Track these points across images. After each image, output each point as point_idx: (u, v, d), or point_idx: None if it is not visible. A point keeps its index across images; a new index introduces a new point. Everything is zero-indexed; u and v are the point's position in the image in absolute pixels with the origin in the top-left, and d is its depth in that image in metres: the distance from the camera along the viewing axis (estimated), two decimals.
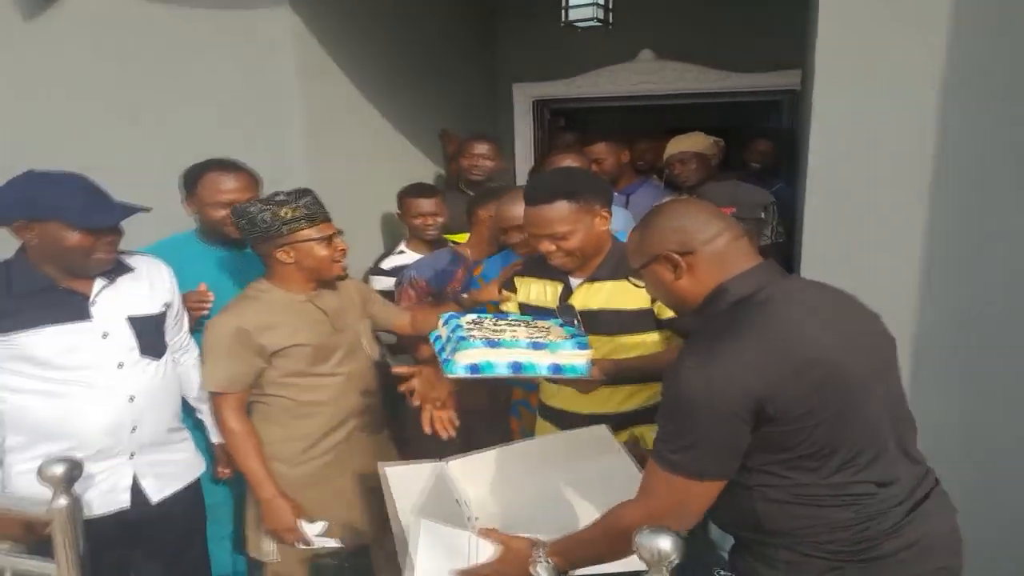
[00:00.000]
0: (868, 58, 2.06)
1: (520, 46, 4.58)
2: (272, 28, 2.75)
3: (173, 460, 2.04)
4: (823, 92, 2.11)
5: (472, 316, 1.89)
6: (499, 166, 3.44)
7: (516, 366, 1.66)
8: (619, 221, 2.89)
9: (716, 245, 1.33)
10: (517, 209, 2.10)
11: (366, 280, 2.93)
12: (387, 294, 2.63)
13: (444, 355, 1.72)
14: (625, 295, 1.87)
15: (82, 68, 2.97)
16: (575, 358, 1.69)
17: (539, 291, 2.06)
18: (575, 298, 1.96)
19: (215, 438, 2.22)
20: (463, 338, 1.67)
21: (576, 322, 1.84)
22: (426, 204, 2.90)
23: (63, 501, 1.39)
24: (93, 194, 1.80)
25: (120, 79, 2.94)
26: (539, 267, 2.05)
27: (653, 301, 1.86)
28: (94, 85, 2.97)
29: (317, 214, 2.01)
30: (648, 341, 1.92)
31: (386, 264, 2.95)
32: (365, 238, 3.24)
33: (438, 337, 1.82)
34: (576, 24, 3.19)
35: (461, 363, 1.63)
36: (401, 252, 2.96)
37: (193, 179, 2.28)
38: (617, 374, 1.78)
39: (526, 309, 2.08)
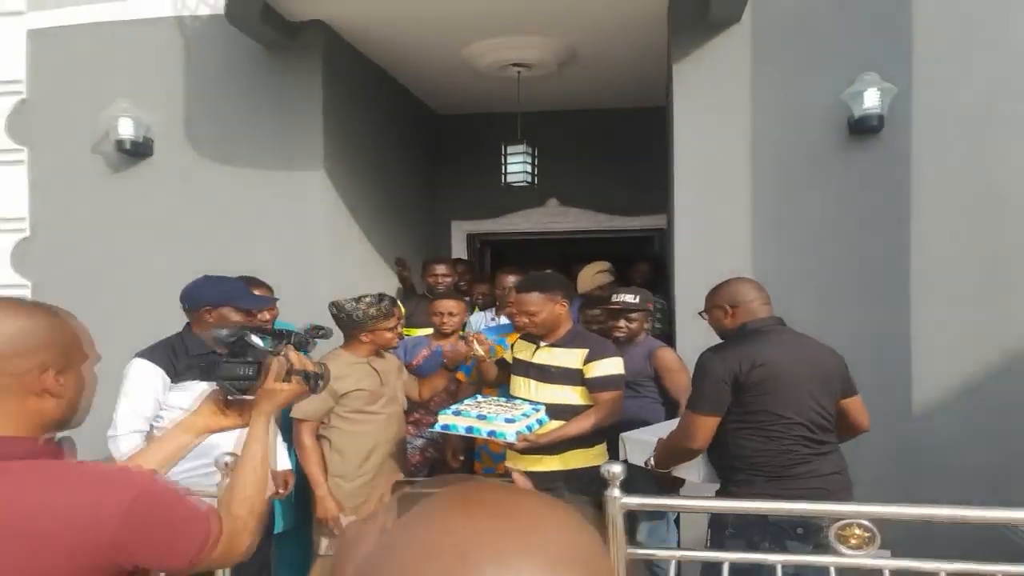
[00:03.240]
0: (709, 205, 3.52)
1: (456, 192, 5.97)
2: (307, 183, 3.93)
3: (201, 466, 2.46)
4: (680, 228, 3.54)
5: (479, 397, 3.12)
6: (454, 279, 4.65)
7: (468, 429, 2.87)
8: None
9: (750, 305, 2.45)
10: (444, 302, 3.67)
11: None
12: None
13: (441, 411, 2.95)
14: (568, 358, 3.01)
15: (158, 211, 4.02)
16: (505, 427, 2.75)
17: (522, 350, 3.16)
18: (539, 353, 3.13)
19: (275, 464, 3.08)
20: (458, 411, 2.90)
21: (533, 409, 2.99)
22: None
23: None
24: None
25: (192, 220, 3.99)
26: (526, 335, 3.19)
27: (585, 363, 3.00)
28: (167, 225, 4.01)
29: (391, 312, 3.12)
30: (573, 391, 2.94)
31: None
32: None
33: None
34: (512, 184, 4.58)
35: (439, 422, 2.89)
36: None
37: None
38: (537, 442, 2.78)
39: (514, 361, 3.18)
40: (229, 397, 1.51)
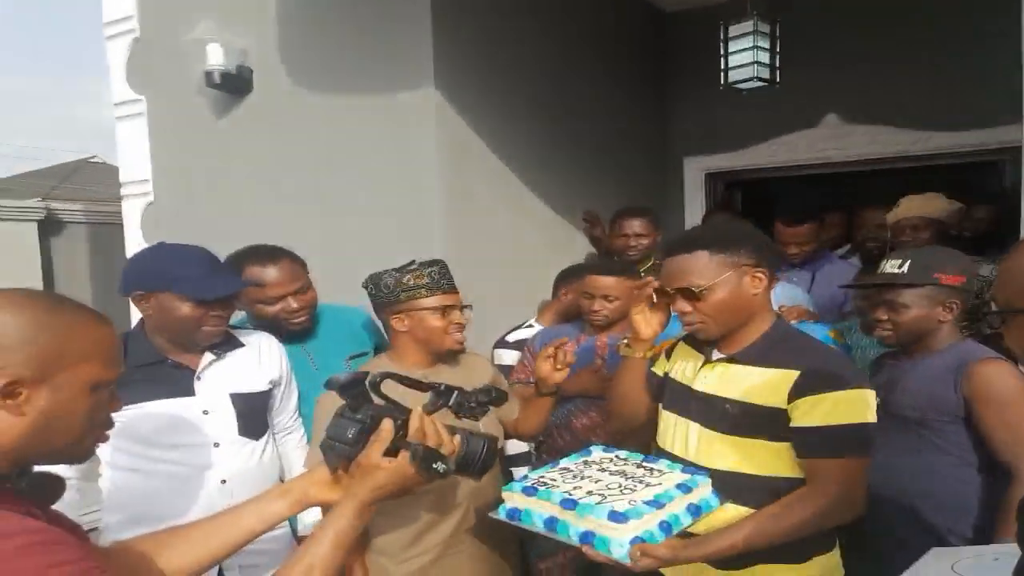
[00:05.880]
0: None
1: (688, 117, 4.37)
2: (416, 105, 2.83)
3: (263, 551, 1.76)
4: None
5: (596, 452, 1.80)
6: (656, 242, 3.20)
7: (550, 524, 1.50)
8: (795, 299, 2.54)
9: None
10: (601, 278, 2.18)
11: (491, 354, 2.83)
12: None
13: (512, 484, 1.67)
14: (764, 388, 1.54)
15: (259, 154, 3.25)
16: (612, 529, 1.39)
17: (682, 366, 1.76)
18: (699, 375, 1.66)
19: (303, 531, 2.04)
20: (537, 485, 1.59)
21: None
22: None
23: None
24: (209, 267, 1.83)
25: (287, 162, 3.16)
26: (691, 338, 1.75)
27: (788, 401, 1.50)
28: (268, 169, 3.23)
29: (439, 284, 1.89)
30: (763, 453, 1.55)
31: (512, 337, 2.82)
32: (504, 314, 3.16)
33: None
34: (737, 87, 2.94)
35: (506, 505, 1.60)
36: (529, 326, 2.83)
37: (236, 273, 2.08)
38: (679, 558, 1.43)
39: (667, 381, 1.79)
40: (331, 464, 1.20)
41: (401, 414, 1.20)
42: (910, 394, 1.89)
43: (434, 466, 1.16)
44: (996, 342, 2.21)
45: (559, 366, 1.90)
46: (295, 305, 2.16)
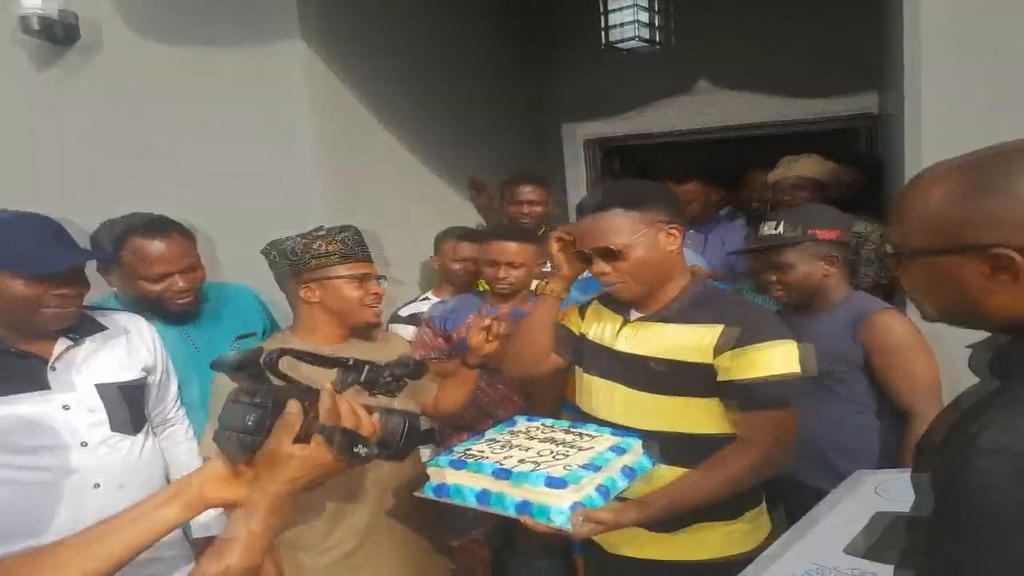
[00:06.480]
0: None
1: (568, 83, 4.27)
2: (283, 63, 2.54)
3: (155, 559, 1.58)
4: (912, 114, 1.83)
5: (520, 422, 1.71)
6: (548, 210, 3.09)
7: (481, 496, 1.40)
8: (690, 260, 2.50)
9: None
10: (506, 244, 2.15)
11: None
12: None
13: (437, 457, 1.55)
14: (687, 344, 1.50)
15: (95, 112, 2.82)
16: (550, 496, 1.32)
17: (600, 328, 1.69)
18: (620, 336, 1.60)
19: (197, 532, 1.82)
20: (464, 458, 1.48)
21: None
22: (471, 249, 2.60)
23: None
24: (47, 239, 1.54)
25: (133, 122, 2.76)
26: (607, 298, 1.69)
27: (714, 356, 1.46)
28: (107, 129, 2.81)
29: (353, 252, 1.72)
30: (698, 405, 1.51)
31: (405, 311, 2.64)
32: (394, 288, 2.95)
33: None
34: (618, 46, 2.85)
35: (432, 481, 1.47)
36: (425, 299, 2.65)
37: (116, 244, 1.88)
38: (621, 522, 1.37)
39: (585, 343, 1.72)
40: (230, 457, 1.01)
41: (308, 395, 1.02)
42: (816, 344, 1.90)
43: (355, 450, 1.00)
44: (882, 292, 2.31)
45: (490, 338, 1.80)
46: (182, 285, 1.92)
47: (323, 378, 1.12)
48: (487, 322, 1.81)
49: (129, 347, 1.73)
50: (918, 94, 1.96)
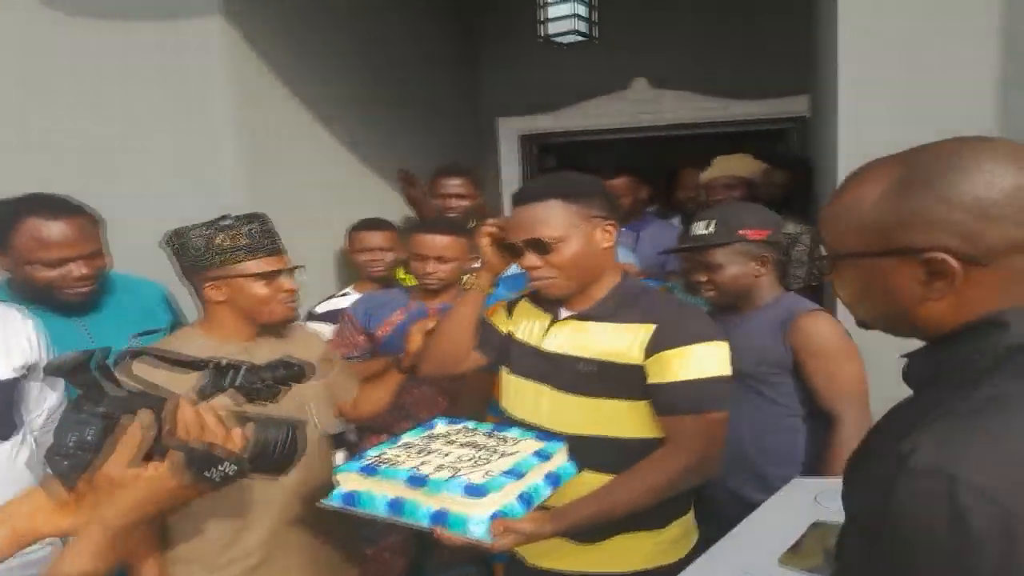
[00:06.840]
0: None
1: (503, 77, 4.21)
2: (200, 41, 2.39)
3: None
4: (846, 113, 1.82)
5: (440, 424, 1.61)
6: (477, 203, 3.01)
7: (394, 505, 1.30)
8: (622, 258, 2.47)
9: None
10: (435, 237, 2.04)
11: None
12: None
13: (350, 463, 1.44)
14: (617, 344, 1.43)
15: None
16: (467, 506, 1.23)
17: (528, 326, 1.61)
18: (548, 335, 1.53)
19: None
20: (376, 464, 1.37)
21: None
22: (375, 238, 2.49)
23: None
24: None
25: (33, 98, 2.56)
26: (536, 296, 1.62)
27: (645, 357, 1.40)
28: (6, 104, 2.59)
29: (261, 245, 1.58)
30: (626, 408, 1.45)
31: (322, 308, 2.51)
32: (315, 282, 2.82)
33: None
34: (556, 40, 2.80)
35: (340, 489, 1.36)
36: (345, 294, 2.54)
37: (5, 226, 1.70)
38: (543, 533, 1.29)
39: (511, 343, 1.63)
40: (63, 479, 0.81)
41: (161, 404, 0.86)
42: (740, 349, 1.87)
43: (206, 474, 0.83)
44: (812, 293, 2.32)
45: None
46: (82, 271, 1.73)
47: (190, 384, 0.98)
48: (431, 324, 1.72)
49: (4, 344, 1.55)
50: (843, 96, 1.96)
